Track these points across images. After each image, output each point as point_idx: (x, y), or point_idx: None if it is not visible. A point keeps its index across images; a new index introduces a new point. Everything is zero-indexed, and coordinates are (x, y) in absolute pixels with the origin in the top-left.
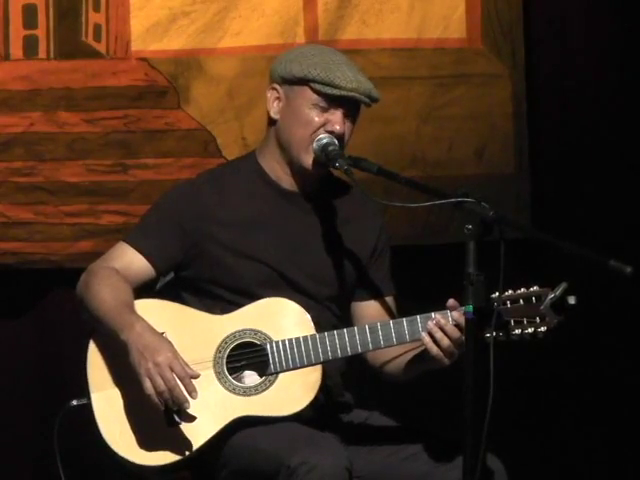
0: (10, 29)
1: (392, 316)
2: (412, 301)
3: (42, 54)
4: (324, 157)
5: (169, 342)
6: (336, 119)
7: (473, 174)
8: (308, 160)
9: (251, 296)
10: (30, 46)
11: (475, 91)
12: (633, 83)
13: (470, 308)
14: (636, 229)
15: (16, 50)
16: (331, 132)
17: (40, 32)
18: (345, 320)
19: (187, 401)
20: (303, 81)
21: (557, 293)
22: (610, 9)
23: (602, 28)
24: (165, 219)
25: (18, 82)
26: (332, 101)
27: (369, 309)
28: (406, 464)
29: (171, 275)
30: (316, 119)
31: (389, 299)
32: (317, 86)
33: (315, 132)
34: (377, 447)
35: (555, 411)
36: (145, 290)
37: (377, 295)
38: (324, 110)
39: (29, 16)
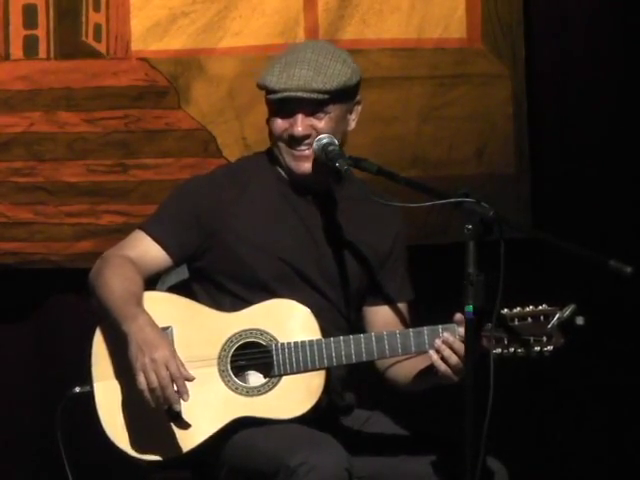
0: (10, 29)
1: (403, 323)
2: (411, 301)
3: (42, 54)
4: (324, 157)
5: (169, 340)
6: (293, 121)
7: (473, 174)
8: (296, 166)
9: (264, 290)
10: (30, 46)
11: (475, 91)
12: (633, 83)
13: (470, 308)
14: (636, 229)
15: (16, 50)
16: (291, 136)
17: (40, 32)
18: (354, 323)
19: (178, 402)
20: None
21: (566, 314)
22: (610, 9)
23: (602, 28)
24: (183, 209)
25: (18, 82)
26: (282, 106)
27: (380, 314)
28: (406, 464)
29: (172, 281)
30: (276, 126)
31: (402, 306)
32: (267, 97)
33: (282, 139)
34: (377, 448)
35: (556, 412)
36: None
37: (389, 301)
38: (284, 115)
39: (29, 16)
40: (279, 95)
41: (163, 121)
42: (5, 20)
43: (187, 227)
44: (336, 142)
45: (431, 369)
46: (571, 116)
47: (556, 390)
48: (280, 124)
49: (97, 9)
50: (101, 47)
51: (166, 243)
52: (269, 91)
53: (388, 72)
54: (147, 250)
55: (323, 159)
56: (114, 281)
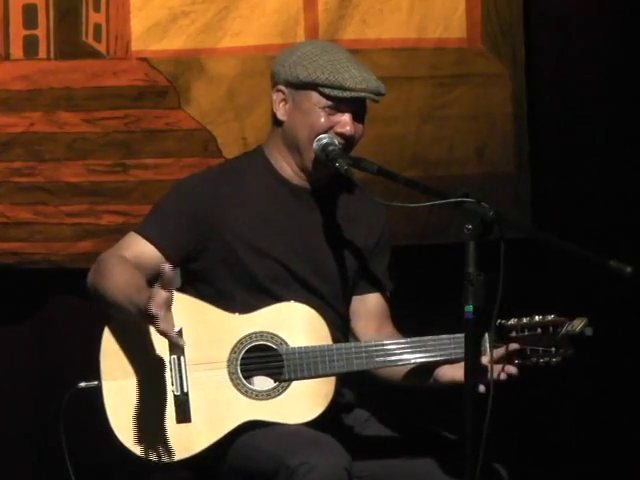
0: (10, 29)
1: (388, 312)
2: (412, 301)
3: (42, 54)
4: (324, 157)
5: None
6: (345, 121)
7: (473, 174)
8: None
9: (260, 291)
10: (30, 46)
11: (475, 91)
12: (633, 83)
13: (470, 308)
14: (636, 229)
15: (16, 50)
16: (341, 134)
17: (40, 32)
18: (348, 319)
19: (163, 319)
20: (310, 85)
21: (577, 329)
22: (610, 9)
23: (602, 28)
24: (178, 209)
25: (18, 82)
26: (341, 103)
27: (365, 303)
28: (406, 464)
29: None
30: (324, 122)
31: (386, 295)
32: (326, 90)
33: (322, 134)
34: (377, 447)
35: (556, 412)
36: None
37: (374, 290)
38: (332, 112)
39: (29, 16)
40: (356, 94)
41: (163, 121)
42: (5, 20)
43: (183, 228)
44: (336, 142)
45: (428, 370)
46: (571, 116)
47: (557, 390)
48: (324, 117)
49: (97, 9)
50: (101, 47)
51: (161, 244)
52: (339, 88)
53: (388, 72)
54: (142, 252)
55: (323, 159)
56: (118, 276)
